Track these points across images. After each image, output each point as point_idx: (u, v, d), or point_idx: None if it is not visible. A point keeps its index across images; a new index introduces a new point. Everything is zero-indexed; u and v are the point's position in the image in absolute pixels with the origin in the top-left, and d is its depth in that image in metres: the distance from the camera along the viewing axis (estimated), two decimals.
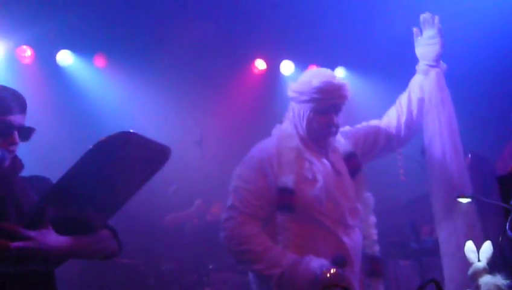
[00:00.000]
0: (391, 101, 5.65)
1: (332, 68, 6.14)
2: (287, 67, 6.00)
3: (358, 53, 5.70)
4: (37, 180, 1.85)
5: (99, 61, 5.33)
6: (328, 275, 2.19)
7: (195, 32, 5.09)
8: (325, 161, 2.53)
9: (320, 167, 2.46)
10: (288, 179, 2.37)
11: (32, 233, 1.55)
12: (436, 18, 2.83)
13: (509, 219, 1.81)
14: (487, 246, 1.99)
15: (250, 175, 2.42)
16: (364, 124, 2.83)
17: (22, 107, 1.76)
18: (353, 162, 2.60)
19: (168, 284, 4.17)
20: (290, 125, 2.55)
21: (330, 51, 5.78)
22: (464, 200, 2.26)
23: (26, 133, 1.77)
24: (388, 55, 5.50)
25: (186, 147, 4.69)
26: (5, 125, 1.70)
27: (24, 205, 1.70)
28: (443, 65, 2.87)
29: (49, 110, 4.89)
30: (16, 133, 1.72)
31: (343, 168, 2.57)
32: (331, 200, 2.41)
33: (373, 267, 2.48)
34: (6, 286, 1.60)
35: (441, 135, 2.73)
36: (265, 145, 2.52)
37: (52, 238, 1.59)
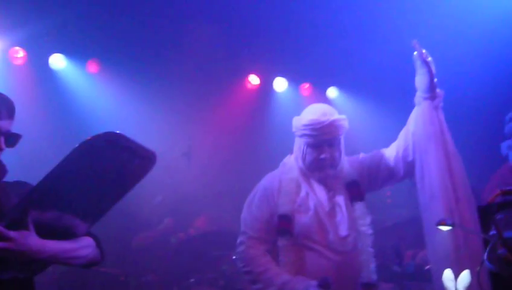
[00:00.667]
0: (384, 122, 5.71)
1: (325, 88, 6.26)
2: (280, 83, 6.04)
3: (352, 73, 5.74)
4: (20, 185, 1.81)
5: (92, 66, 5.31)
6: None
7: (190, 42, 5.10)
8: (322, 190, 2.66)
9: (314, 197, 2.64)
10: (286, 208, 2.62)
11: (12, 233, 1.50)
12: (421, 49, 2.59)
13: (487, 249, 1.80)
14: (465, 275, 1.98)
15: (256, 203, 2.71)
16: (375, 151, 2.82)
17: (10, 113, 1.73)
18: (354, 190, 2.67)
19: None
20: (293, 157, 2.77)
21: (323, 70, 5.82)
22: (444, 228, 2.26)
23: (12, 139, 1.74)
24: (382, 75, 5.54)
25: (175, 157, 4.66)
26: None
27: (6, 209, 1.65)
28: (439, 94, 2.63)
29: (39, 113, 4.85)
30: (2, 139, 1.70)
31: (342, 196, 2.66)
32: (322, 228, 2.60)
33: None
34: None
35: (428, 172, 2.57)
36: (271, 176, 2.79)
37: (33, 241, 1.54)
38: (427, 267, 3.67)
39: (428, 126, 2.59)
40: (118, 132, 1.51)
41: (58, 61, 5.19)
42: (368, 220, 2.62)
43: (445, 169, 2.53)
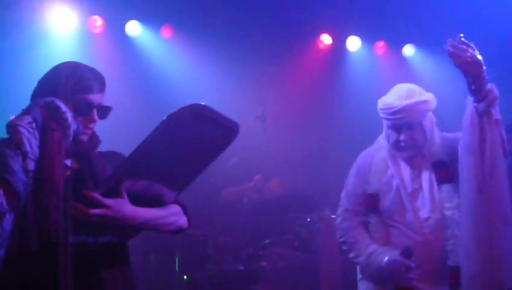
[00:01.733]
0: (463, 80, 5.44)
1: (401, 45, 6.01)
2: (353, 43, 5.87)
3: (429, 29, 5.46)
4: (113, 156, 1.91)
5: (166, 32, 5.40)
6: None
7: (262, 4, 5.04)
8: (408, 170, 2.61)
9: (398, 178, 2.62)
10: (374, 186, 2.67)
11: (109, 201, 1.59)
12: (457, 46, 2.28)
13: None
14: None
15: (351, 178, 2.78)
16: None
17: (102, 87, 1.82)
18: (441, 171, 2.57)
19: (224, 255, 4.26)
20: (382, 136, 2.75)
21: (399, 27, 5.58)
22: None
23: (104, 111, 1.83)
24: (464, 30, 5.22)
25: (249, 121, 4.70)
26: (86, 103, 1.77)
27: (101, 178, 1.76)
28: (487, 95, 2.28)
29: (118, 80, 5.01)
30: (95, 112, 1.79)
31: (428, 177, 2.59)
32: (402, 208, 2.60)
33: (451, 278, 2.51)
34: (85, 257, 1.68)
35: (461, 189, 2.41)
36: (365, 153, 2.79)
37: (127, 208, 1.64)
38: None
39: (466, 136, 2.35)
40: (203, 103, 1.54)
41: (134, 28, 5.33)
42: (455, 202, 2.48)
43: (476, 190, 2.31)
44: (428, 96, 2.59)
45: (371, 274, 2.62)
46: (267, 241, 4.29)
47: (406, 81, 6.05)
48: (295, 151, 5.12)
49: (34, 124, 1.63)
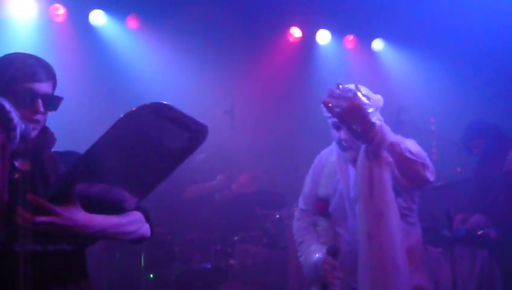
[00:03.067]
0: (434, 76, 5.48)
1: (370, 39, 6.00)
2: (323, 36, 5.82)
3: (398, 24, 5.47)
4: (71, 156, 1.74)
5: (132, 22, 5.24)
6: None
7: None
8: (352, 174, 2.49)
9: (343, 182, 2.52)
10: (323, 191, 2.59)
11: (58, 208, 1.44)
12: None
13: None
14: None
15: (307, 179, 2.72)
16: None
17: (49, 75, 1.66)
18: None
19: (192, 253, 4.17)
20: None
21: (369, 21, 5.57)
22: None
23: (52, 101, 1.66)
24: (432, 26, 5.25)
25: (217, 116, 4.60)
26: (28, 93, 1.59)
27: (52, 181, 1.61)
28: (376, 139, 2.14)
29: (80, 70, 4.85)
30: (39, 102, 1.62)
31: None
32: (344, 214, 2.52)
33: None
34: (36, 265, 1.53)
35: None
36: (320, 155, 2.71)
37: (79, 215, 1.48)
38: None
39: (358, 180, 2.29)
40: (165, 102, 1.41)
41: (98, 18, 5.14)
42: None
43: (366, 235, 2.25)
44: (371, 94, 2.40)
45: (307, 275, 2.57)
46: (236, 238, 4.23)
47: (375, 75, 6.04)
48: (264, 147, 5.05)
49: None
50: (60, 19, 4.96)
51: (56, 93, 1.71)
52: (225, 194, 4.70)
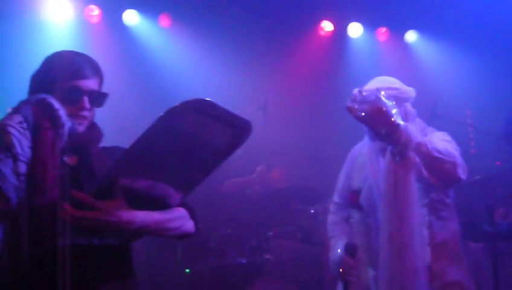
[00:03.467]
0: (467, 69, 5.36)
1: (403, 31, 5.91)
2: (354, 29, 5.76)
3: (432, 15, 5.37)
4: (116, 151, 1.75)
5: (164, 21, 5.30)
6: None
7: None
8: (381, 166, 2.48)
9: (372, 175, 2.52)
10: (355, 183, 2.61)
11: (101, 203, 1.44)
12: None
13: None
14: None
15: (341, 173, 2.74)
16: None
17: (95, 72, 1.68)
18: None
19: (227, 248, 4.20)
20: None
21: (402, 13, 5.48)
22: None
23: (98, 98, 1.68)
24: (466, 16, 5.13)
25: (251, 111, 4.61)
26: (74, 90, 1.62)
27: (98, 176, 1.62)
28: (401, 139, 2.17)
29: (115, 71, 4.93)
30: (85, 99, 1.64)
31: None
32: (375, 207, 2.49)
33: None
34: (81, 260, 1.54)
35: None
36: (354, 148, 2.72)
37: (123, 211, 1.48)
38: None
39: (382, 183, 2.33)
40: (207, 99, 1.40)
41: (131, 17, 5.23)
42: (424, 202, 2.38)
43: (387, 238, 2.27)
44: (401, 86, 2.46)
45: (331, 270, 2.55)
46: (270, 233, 4.23)
47: (408, 68, 5.95)
48: (297, 142, 5.04)
49: (25, 124, 1.50)
50: (94, 20, 5.08)
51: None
52: (256, 189, 4.71)
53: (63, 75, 1.62)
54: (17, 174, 1.47)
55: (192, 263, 4.22)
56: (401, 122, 2.13)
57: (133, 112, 4.58)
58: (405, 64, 5.72)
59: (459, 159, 2.27)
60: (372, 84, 2.49)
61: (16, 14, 4.69)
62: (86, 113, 1.65)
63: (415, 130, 2.20)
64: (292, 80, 5.48)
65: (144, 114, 4.86)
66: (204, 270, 4.18)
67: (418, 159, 2.20)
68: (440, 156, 2.21)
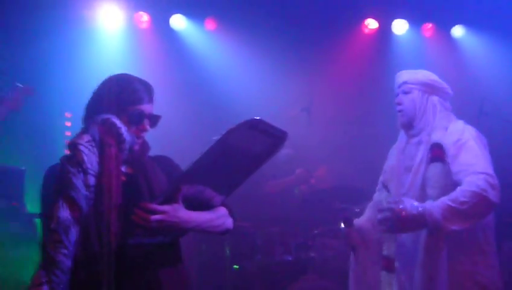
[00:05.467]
0: None
1: (450, 27, 5.82)
2: (399, 26, 5.72)
3: (479, 9, 5.26)
4: (162, 159, 2.03)
5: (210, 24, 5.45)
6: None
7: None
8: (406, 150, 2.74)
9: (396, 156, 2.80)
10: (387, 164, 2.89)
11: (166, 207, 1.73)
12: None
13: None
14: None
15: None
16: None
17: (151, 97, 1.94)
18: (435, 151, 2.59)
19: (274, 245, 4.31)
20: None
21: (448, 7, 5.40)
22: None
23: (155, 120, 1.95)
24: None
25: (295, 113, 4.70)
26: (138, 114, 1.89)
27: (153, 180, 1.90)
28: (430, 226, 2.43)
29: (165, 74, 5.12)
30: (146, 121, 1.91)
31: (421, 157, 2.65)
32: (395, 187, 2.73)
33: None
34: (143, 253, 1.80)
35: None
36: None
37: (182, 213, 1.77)
38: None
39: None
40: (258, 118, 1.65)
41: (178, 22, 5.40)
42: (441, 183, 2.48)
43: None
44: (435, 77, 2.70)
45: None
46: (316, 231, 4.31)
47: (455, 64, 5.85)
48: (342, 140, 5.08)
49: (93, 143, 1.76)
50: (144, 26, 5.28)
51: None
52: (303, 189, 4.78)
53: (127, 100, 1.88)
54: (87, 186, 1.73)
55: (240, 259, 4.37)
56: (420, 209, 2.33)
57: (181, 114, 4.75)
58: (452, 60, 5.63)
59: (486, 188, 2.35)
60: (406, 74, 2.76)
61: (69, 23, 4.95)
62: (144, 133, 1.92)
63: (439, 208, 2.34)
64: (337, 79, 5.50)
65: (191, 117, 5.07)
66: (251, 266, 4.31)
67: (453, 227, 2.34)
68: (472, 209, 2.33)
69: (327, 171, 5.03)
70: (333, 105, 5.39)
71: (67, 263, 1.67)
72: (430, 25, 5.77)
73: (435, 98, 2.67)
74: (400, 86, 2.73)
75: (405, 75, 2.74)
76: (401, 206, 2.34)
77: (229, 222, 1.98)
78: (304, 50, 5.37)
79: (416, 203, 2.36)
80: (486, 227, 2.52)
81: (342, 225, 2.93)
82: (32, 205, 4.16)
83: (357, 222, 2.88)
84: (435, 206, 2.34)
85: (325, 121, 5.13)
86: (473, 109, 4.10)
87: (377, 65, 5.65)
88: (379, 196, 2.86)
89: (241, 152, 1.72)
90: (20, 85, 4.42)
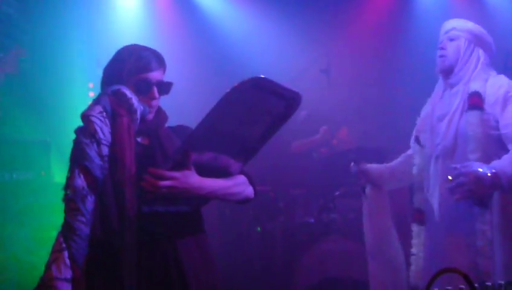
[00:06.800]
0: None
1: None
2: None
3: None
4: (181, 130, 2.00)
5: None
6: None
7: None
8: (443, 99, 2.77)
9: (431, 104, 2.83)
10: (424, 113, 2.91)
11: (176, 174, 1.70)
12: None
13: None
14: None
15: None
16: None
17: (160, 63, 1.90)
18: (474, 98, 2.60)
19: (296, 208, 4.37)
20: None
21: None
22: None
23: (164, 87, 1.91)
24: None
25: (314, 75, 4.66)
26: (145, 82, 1.86)
27: (169, 152, 1.86)
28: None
29: (179, 42, 5.12)
30: (155, 89, 1.87)
31: (457, 105, 2.67)
32: (431, 134, 2.77)
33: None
34: (161, 223, 1.80)
35: None
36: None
37: (194, 179, 1.74)
38: None
39: None
40: (262, 76, 1.60)
41: None
42: (478, 132, 2.52)
43: None
44: (482, 31, 2.74)
45: None
46: (337, 193, 4.34)
47: (479, 19, 5.71)
48: (362, 102, 5.04)
49: (104, 113, 1.77)
50: None
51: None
52: (323, 152, 4.78)
53: (134, 69, 1.86)
54: (101, 156, 1.75)
55: (263, 222, 4.45)
56: (494, 171, 2.33)
57: (199, 80, 4.75)
58: (476, 14, 5.45)
59: None
60: (455, 21, 2.78)
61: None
62: (155, 102, 1.90)
63: (508, 164, 2.36)
64: (356, 40, 5.40)
65: (209, 82, 5.07)
66: (274, 229, 4.39)
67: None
68: None
69: (348, 133, 5.01)
70: (353, 66, 5.32)
71: (85, 230, 1.70)
72: None
73: (479, 50, 2.69)
74: (447, 32, 2.74)
75: (454, 22, 2.76)
76: (472, 170, 2.31)
77: (249, 191, 1.94)
78: (321, 11, 5.26)
79: (484, 166, 2.34)
80: None
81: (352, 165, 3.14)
82: (59, 175, 4.29)
83: (370, 166, 3.06)
84: (505, 165, 2.34)
85: (343, 83, 5.08)
86: (498, 64, 4.01)
87: (398, 26, 5.52)
88: (412, 149, 2.91)
89: (252, 114, 1.67)
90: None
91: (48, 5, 4.73)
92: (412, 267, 2.76)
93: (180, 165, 1.72)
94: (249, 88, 1.60)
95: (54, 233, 1.76)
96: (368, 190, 3.07)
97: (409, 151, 2.96)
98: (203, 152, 1.73)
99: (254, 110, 1.67)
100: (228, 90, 1.60)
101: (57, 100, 4.81)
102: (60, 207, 1.81)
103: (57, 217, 1.89)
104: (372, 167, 3.08)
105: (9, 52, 4.53)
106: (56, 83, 4.71)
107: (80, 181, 1.71)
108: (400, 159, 3.04)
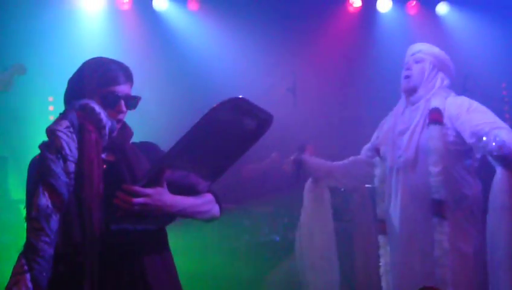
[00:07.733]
0: (501, 42, 5.23)
1: (434, 4, 5.79)
2: (384, 4, 5.69)
3: None
4: (146, 146, 1.96)
5: (193, 4, 5.38)
6: None
7: None
8: (404, 115, 2.94)
9: (393, 119, 3.00)
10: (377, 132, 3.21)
11: (150, 191, 1.67)
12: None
13: None
14: None
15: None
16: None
17: (128, 77, 1.86)
18: (434, 114, 2.77)
19: (261, 226, 4.34)
20: None
21: None
22: None
23: (132, 102, 1.87)
24: None
25: (280, 93, 4.68)
26: (112, 95, 1.81)
27: (136, 169, 1.82)
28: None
29: (146, 55, 5.07)
30: (122, 103, 1.83)
31: (418, 121, 2.84)
32: (391, 148, 2.94)
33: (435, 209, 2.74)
34: (127, 244, 1.75)
35: None
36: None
37: (167, 197, 1.71)
38: None
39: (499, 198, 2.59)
40: (241, 96, 1.59)
41: (161, 3, 5.32)
42: (438, 146, 2.66)
43: None
44: (446, 56, 2.94)
45: None
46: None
47: (440, 41, 5.93)
48: (328, 120, 5.08)
49: (71, 128, 1.70)
50: (126, 7, 5.19)
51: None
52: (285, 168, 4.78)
53: (101, 81, 1.80)
54: (67, 173, 1.67)
55: (228, 240, 4.40)
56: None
57: (163, 97, 4.70)
58: (436, 37, 5.60)
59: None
60: (422, 45, 2.97)
61: (50, 4, 4.85)
62: (122, 116, 1.84)
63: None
64: (322, 59, 5.47)
65: (174, 100, 5.02)
66: (239, 247, 4.34)
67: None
68: None
69: (313, 150, 5.03)
70: (318, 84, 5.38)
71: (49, 251, 1.62)
72: (414, 2, 5.74)
73: (442, 74, 2.89)
74: (413, 54, 2.92)
75: (421, 46, 2.96)
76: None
77: (216, 209, 1.93)
78: (287, 30, 5.33)
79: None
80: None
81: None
82: (16, 191, 4.13)
83: (309, 157, 3.26)
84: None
85: (310, 101, 5.12)
86: (456, 86, 4.13)
87: (362, 43, 5.64)
88: (364, 155, 3.14)
89: (226, 135, 1.66)
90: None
91: (4, 13, 4.60)
92: (383, 278, 2.94)
93: (153, 183, 1.69)
94: (229, 109, 1.59)
95: (11, 253, 1.66)
96: (308, 183, 3.28)
97: (360, 156, 3.19)
98: (175, 170, 1.71)
99: (228, 130, 1.67)
100: (208, 110, 1.58)
101: (15, 114, 4.66)
102: (16, 225, 1.71)
103: (13, 235, 1.79)
104: (311, 159, 3.27)
105: None
106: (14, 96, 4.56)
107: (45, 200, 1.63)
108: (346, 160, 3.27)
